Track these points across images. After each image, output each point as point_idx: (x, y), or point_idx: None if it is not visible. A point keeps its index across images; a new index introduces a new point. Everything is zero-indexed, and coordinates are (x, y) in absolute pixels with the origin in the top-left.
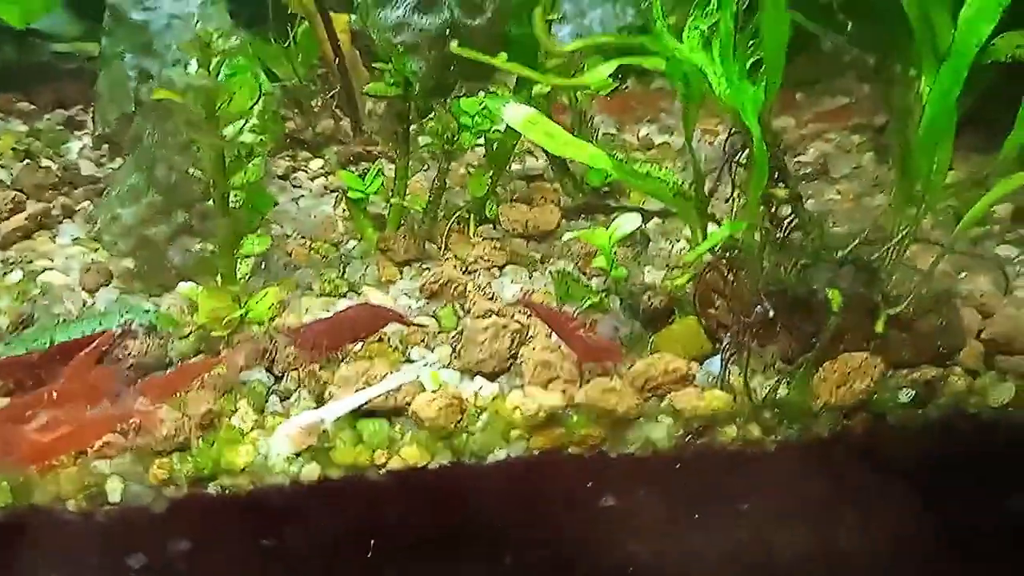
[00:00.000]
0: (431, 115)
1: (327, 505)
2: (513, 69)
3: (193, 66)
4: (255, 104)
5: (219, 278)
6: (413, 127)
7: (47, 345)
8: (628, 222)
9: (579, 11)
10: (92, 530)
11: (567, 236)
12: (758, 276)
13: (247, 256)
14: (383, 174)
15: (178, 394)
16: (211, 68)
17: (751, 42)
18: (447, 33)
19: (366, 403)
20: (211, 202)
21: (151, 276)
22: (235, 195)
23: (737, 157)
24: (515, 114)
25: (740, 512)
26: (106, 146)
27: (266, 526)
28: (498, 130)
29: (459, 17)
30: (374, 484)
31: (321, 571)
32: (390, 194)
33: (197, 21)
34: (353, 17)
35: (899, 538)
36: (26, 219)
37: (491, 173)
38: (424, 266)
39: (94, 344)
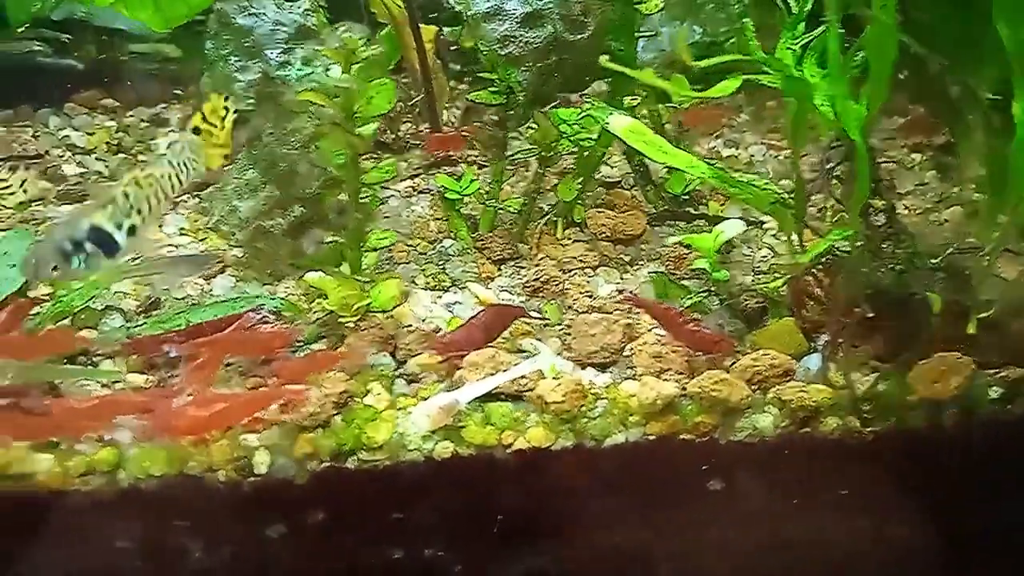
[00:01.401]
0: (529, 123)
1: (458, 481)
2: (655, 82)
3: (336, 71)
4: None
5: (347, 268)
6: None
7: (183, 326)
8: (731, 228)
9: (651, 29)
10: (238, 499)
11: (672, 240)
12: (857, 280)
13: (373, 249)
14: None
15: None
16: (352, 72)
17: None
18: (550, 47)
19: (496, 387)
20: (344, 196)
21: (264, 265)
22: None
23: (833, 170)
24: (619, 124)
25: (842, 497)
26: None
27: (401, 499)
28: (591, 138)
29: (562, 32)
30: (502, 462)
31: (450, 543)
32: (484, 196)
33: (346, 29)
34: (447, 29)
35: (991, 522)
36: None
37: (580, 179)
38: (519, 265)
39: (234, 326)
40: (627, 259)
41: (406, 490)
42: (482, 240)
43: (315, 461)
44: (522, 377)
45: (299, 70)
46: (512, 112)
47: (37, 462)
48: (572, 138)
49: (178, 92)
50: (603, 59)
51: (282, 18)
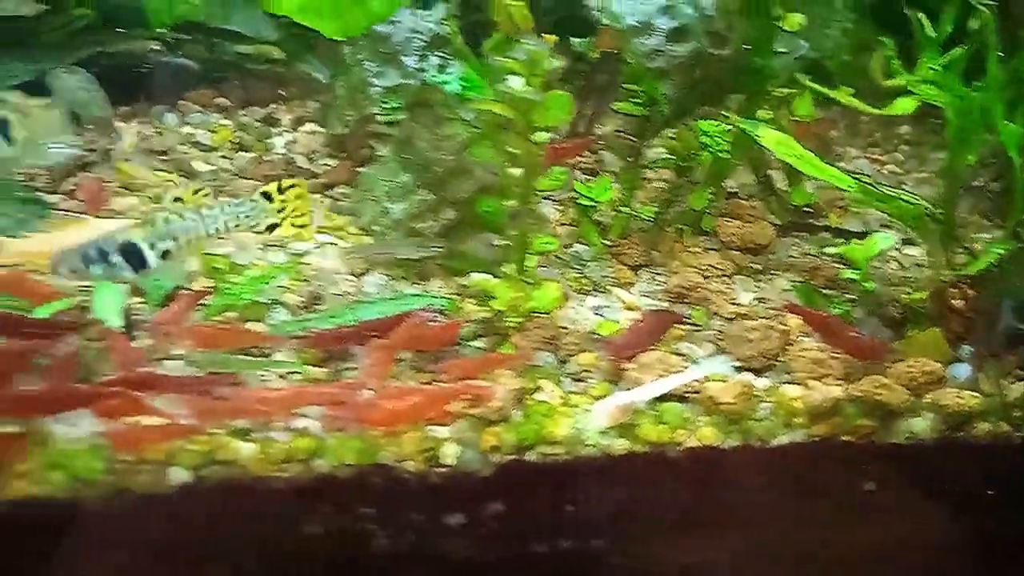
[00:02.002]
0: (668, 133)
1: (632, 476)
2: (851, 102)
3: (516, 81)
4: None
5: (512, 271)
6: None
7: (354, 322)
8: (883, 241)
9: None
10: (425, 489)
11: (831, 250)
12: (1009, 293)
13: (539, 253)
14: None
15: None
16: (532, 84)
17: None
18: (694, 61)
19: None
20: (513, 202)
21: (415, 265)
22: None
23: (987, 186)
24: (770, 137)
25: (993, 497)
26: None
27: (578, 492)
28: (726, 150)
29: (706, 47)
30: (674, 459)
31: (626, 535)
32: (616, 203)
33: (530, 43)
34: (575, 40)
35: None
36: None
37: (711, 189)
38: (654, 271)
39: (406, 323)
40: (757, 268)
41: (584, 483)
42: (616, 246)
43: (498, 454)
44: (696, 380)
45: (433, 76)
46: (651, 122)
47: (240, 450)
48: (713, 150)
49: (281, 93)
50: (801, 77)
51: (418, 26)
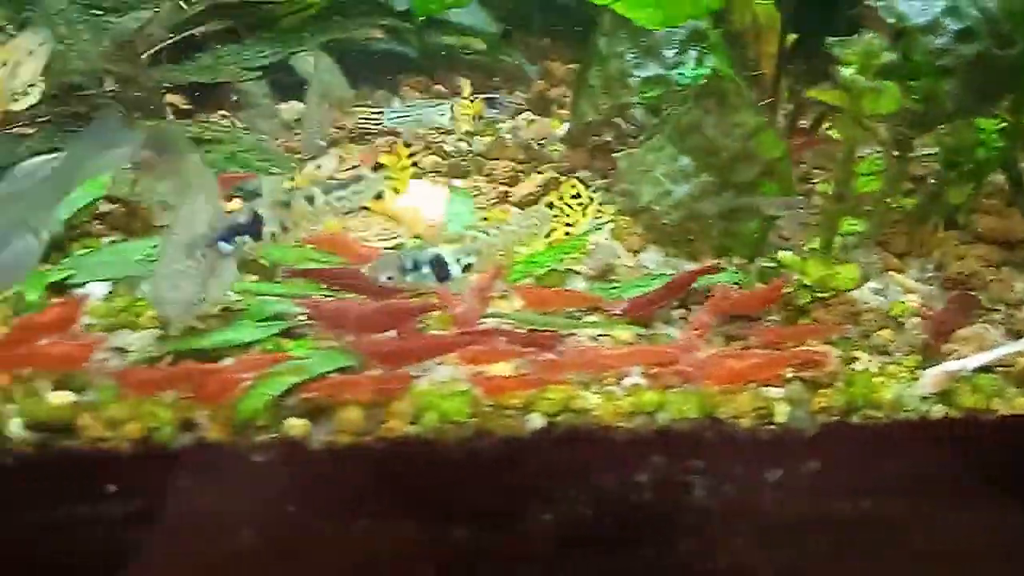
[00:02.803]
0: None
1: (949, 439)
2: None
3: (849, 71)
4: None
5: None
6: None
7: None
8: None
9: None
10: (755, 445)
11: None
12: None
13: (845, 235)
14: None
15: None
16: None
17: None
18: (978, 61)
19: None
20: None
21: (689, 244)
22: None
23: None
24: None
25: None
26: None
27: (891, 453)
28: (996, 147)
29: (990, 47)
30: (988, 424)
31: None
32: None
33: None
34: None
35: None
36: (539, 186)
37: (972, 185)
38: (923, 260)
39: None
40: (1016, 261)
41: (897, 445)
42: (884, 235)
43: (824, 415)
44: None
45: (692, 70)
46: (927, 118)
47: (589, 399)
48: (987, 147)
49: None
50: None
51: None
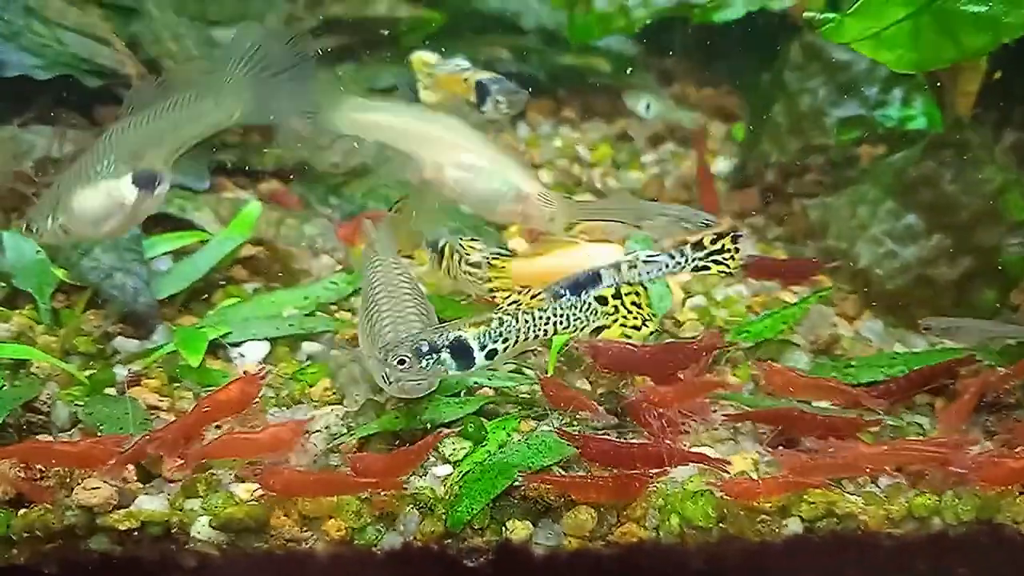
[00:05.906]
0: None
1: None
2: None
3: None
4: None
5: None
6: None
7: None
8: None
9: None
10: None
11: None
12: None
13: None
14: None
15: None
16: None
17: None
18: None
19: None
20: None
21: (914, 314)
22: None
23: None
24: None
25: None
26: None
27: None
28: None
29: None
30: None
31: None
32: None
33: None
34: None
35: None
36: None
37: None
38: None
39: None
40: None
41: None
42: None
43: None
44: None
45: (899, 111)
46: None
47: (853, 504)
48: None
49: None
50: None
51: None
